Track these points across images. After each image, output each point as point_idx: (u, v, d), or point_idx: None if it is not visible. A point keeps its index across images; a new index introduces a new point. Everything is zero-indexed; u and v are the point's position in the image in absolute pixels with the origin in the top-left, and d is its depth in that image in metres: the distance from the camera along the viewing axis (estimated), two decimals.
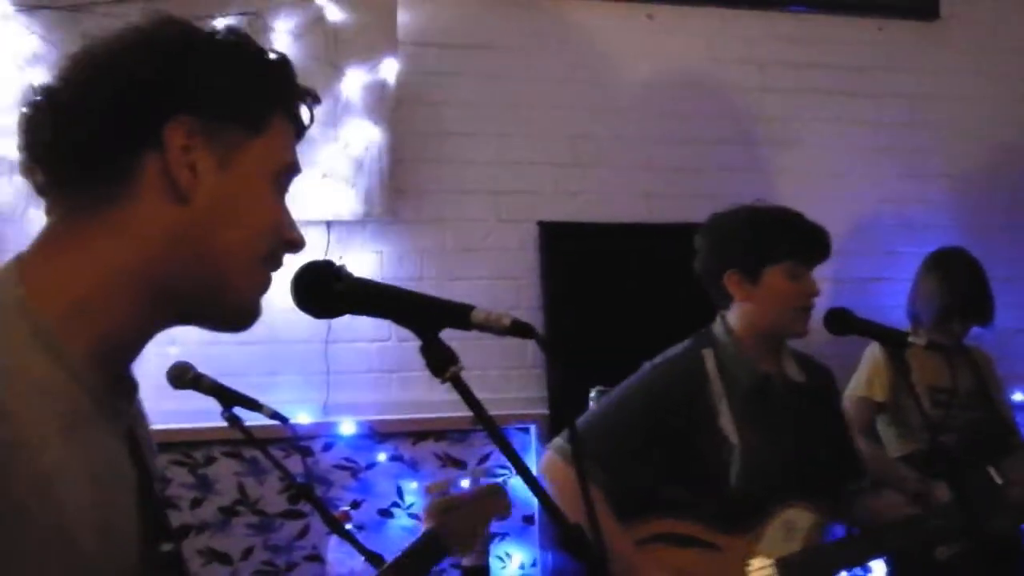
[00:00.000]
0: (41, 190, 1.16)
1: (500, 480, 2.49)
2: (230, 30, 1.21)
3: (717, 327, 2.79)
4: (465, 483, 2.41)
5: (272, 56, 1.23)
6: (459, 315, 1.26)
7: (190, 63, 1.14)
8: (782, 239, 2.71)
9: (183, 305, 1.17)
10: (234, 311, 1.21)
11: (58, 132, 1.13)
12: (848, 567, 2.79)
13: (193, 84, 1.14)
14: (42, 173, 1.15)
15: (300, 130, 1.26)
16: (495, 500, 2.34)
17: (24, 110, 1.15)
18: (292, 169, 1.24)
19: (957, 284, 3.76)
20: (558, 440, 2.76)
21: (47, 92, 1.14)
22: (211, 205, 1.14)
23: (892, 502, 2.95)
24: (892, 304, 4.27)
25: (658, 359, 2.79)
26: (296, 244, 1.24)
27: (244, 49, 1.20)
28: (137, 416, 1.25)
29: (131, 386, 1.18)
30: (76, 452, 1.03)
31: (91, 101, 1.12)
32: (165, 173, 1.12)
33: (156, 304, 1.14)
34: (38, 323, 1.04)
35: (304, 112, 1.26)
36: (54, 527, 0.99)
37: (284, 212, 1.24)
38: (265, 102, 1.19)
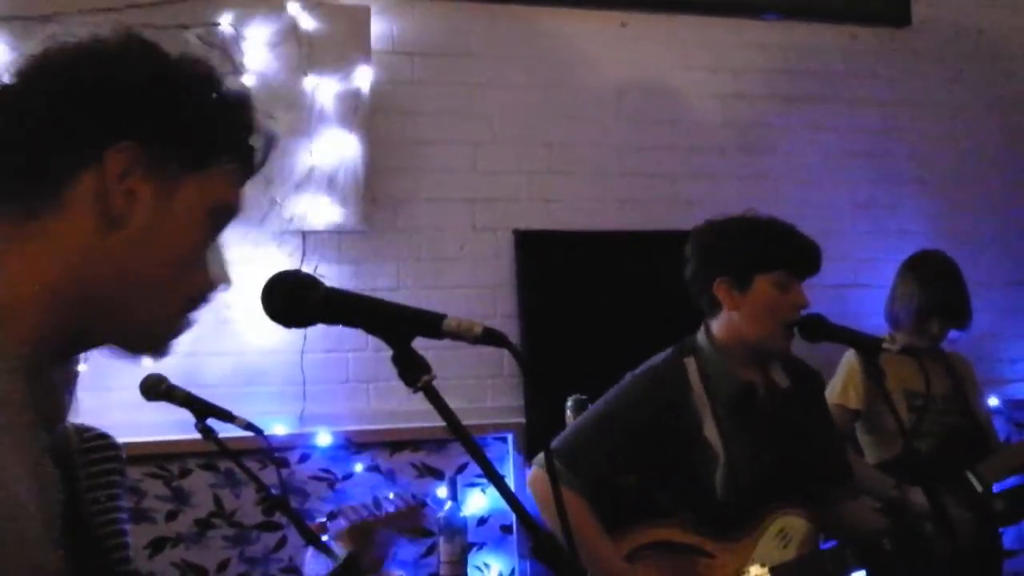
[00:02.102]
0: None
1: (423, 499, 2.52)
2: (194, 60, 1.20)
3: (700, 335, 2.78)
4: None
5: (230, 93, 1.21)
6: (431, 324, 1.26)
7: (145, 91, 1.13)
8: (774, 248, 2.70)
9: (96, 326, 1.15)
10: (139, 340, 1.19)
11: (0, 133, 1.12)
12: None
13: (144, 112, 1.12)
14: None
15: (248, 171, 1.24)
16: (412, 519, 2.37)
17: None
18: (230, 209, 1.21)
19: (935, 286, 3.77)
20: (543, 455, 2.75)
21: (1, 90, 1.13)
22: (140, 232, 1.12)
23: (857, 510, 2.95)
24: (866, 310, 4.30)
25: (640, 369, 2.78)
26: (215, 287, 1.21)
27: (202, 83, 1.18)
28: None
29: (60, 404, 1.16)
30: (24, 457, 1.01)
31: (39, 110, 1.10)
32: (101, 195, 1.10)
33: (71, 320, 1.11)
34: None
35: (256, 155, 1.24)
36: (14, 529, 0.97)
37: (212, 250, 1.21)
38: (214, 140, 1.18)
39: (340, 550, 2.29)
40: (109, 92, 1.11)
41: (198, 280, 1.19)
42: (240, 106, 1.22)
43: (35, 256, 1.09)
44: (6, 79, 1.14)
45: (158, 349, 1.20)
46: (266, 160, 1.26)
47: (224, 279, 1.22)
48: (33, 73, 1.13)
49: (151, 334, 1.19)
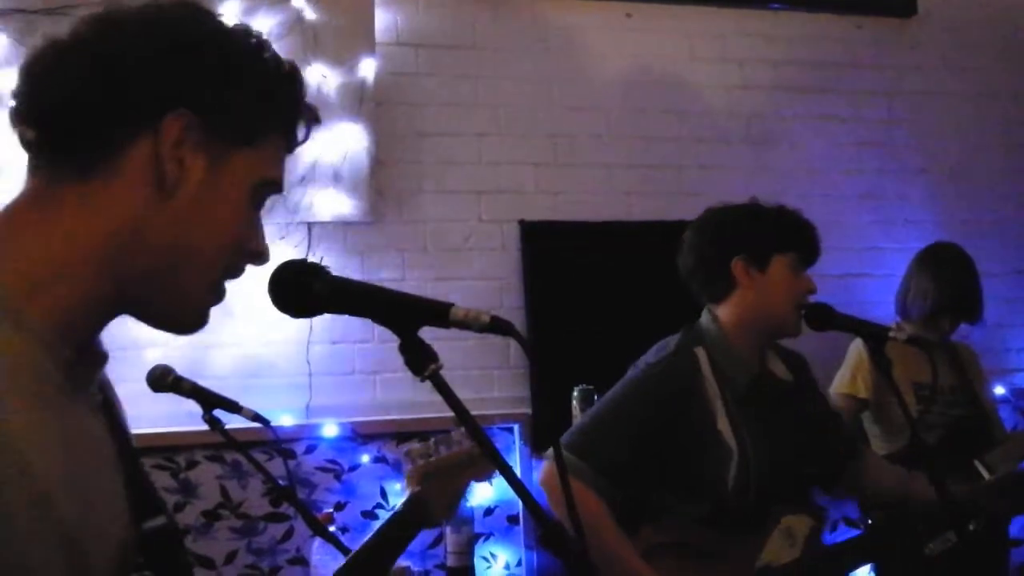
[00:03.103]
0: (28, 146, 1.14)
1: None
2: (254, 35, 1.20)
3: (706, 323, 2.75)
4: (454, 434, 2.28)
5: (285, 70, 1.21)
6: (438, 313, 1.26)
7: (206, 60, 1.13)
8: (791, 230, 2.73)
9: (135, 293, 1.15)
10: (178, 313, 1.19)
11: (57, 92, 1.11)
12: (844, 572, 2.80)
13: (203, 82, 1.12)
14: (32, 130, 1.13)
15: (292, 146, 1.25)
16: (477, 462, 2.26)
17: (29, 61, 1.13)
18: (274, 185, 1.22)
19: (951, 283, 3.76)
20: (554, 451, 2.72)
21: (57, 48, 1.13)
22: (188, 204, 1.12)
23: (894, 472, 2.97)
24: (871, 299, 4.30)
25: (651, 358, 2.73)
26: (261, 256, 1.23)
27: (261, 58, 1.19)
28: (108, 387, 1.24)
29: (100, 357, 1.16)
30: (45, 419, 1.01)
31: (98, 71, 1.10)
32: (153, 161, 1.10)
33: (113, 284, 1.12)
34: (2, 296, 1.03)
35: (301, 131, 1.25)
36: (27, 490, 0.97)
37: (255, 224, 1.22)
38: (267, 117, 1.18)
39: (406, 492, 2.18)
40: (169, 60, 1.11)
41: (239, 253, 1.20)
42: (292, 81, 1.22)
43: (83, 220, 1.09)
44: (63, 37, 1.13)
45: (191, 323, 1.20)
46: (308, 137, 1.26)
47: (264, 250, 1.23)
48: (93, 35, 1.13)
49: (186, 306, 1.18)
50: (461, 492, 2.18)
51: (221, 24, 1.19)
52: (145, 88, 1.10)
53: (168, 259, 1.13)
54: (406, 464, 2.19)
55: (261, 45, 1.20)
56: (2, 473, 0.96)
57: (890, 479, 2.95)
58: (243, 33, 1.20)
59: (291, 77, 1.22)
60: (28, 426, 0.99)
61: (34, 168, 1.13)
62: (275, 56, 1.21)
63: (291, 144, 1.25)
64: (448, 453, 2.18)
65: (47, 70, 1.12)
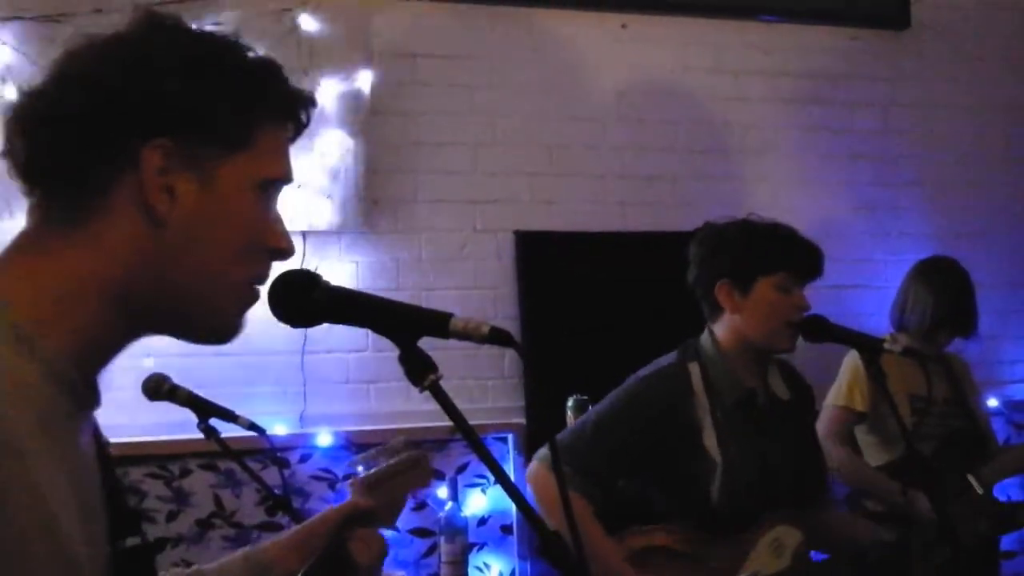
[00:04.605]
0: (24, 192, 1.14)
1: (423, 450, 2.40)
2: (218, 39, 1.18)
3: (704, 339, 2.78)
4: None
5: (259, 64, 1.19)
6: (438, 323, 1.26)
7: (172, 82, 1.10)
8: (775, 251, 2.71)
9: (157, 319, 1.15)
10: (210, 328, 1.19)
11: (32, 145, 1.11)
12: None
13: (174, 104, 1.10)
14: (21, 181, 1.13)
15: (296, 133, 1.23)
16: (418, 470, 2.29)
17: (6, 116, 1.13)
18: (281, 179, 1.20)
19: (950, 298, 3.77)
20: (543, 450, 2.76)
21: (26, 101, 1.13)
22: (188, 227, 1.11)
23: (843, 519, 2.97)
24: (866, 311, 4.30)
25: (644, 371, 2.78)
26: (284, 252, 1.21)
27: (233, 61, 1.16)
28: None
29: (97, 394, 1.17)
30: (57, 453, 1.02)
31: (66, 117, 1.09)
32: (141, 196, 1.09)
33: (129, 316, 1.12)
34: (16, 325, 1.04)
35: (301, 116, 1.23)
36: (47, 535, 0.99)
37: (272, 220, 1.20)
38: (251, 117, 1.16)
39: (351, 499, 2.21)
40: (136, 92, 1.10)
41: (259, 254, 1.19)
42: (269, 73, 1.19)
43: (82, 262, 1.09)
44: (38, 83, 1.13)
45: (224, 334, 1.20)
46: (309, 119, 1.24)
47: (286, 245, 1.21)
48: (61, 77, 1.12)
49: (216, 320, 1.18)
50: (403, 500, 2.23)
51: (188, 40, 1.16)
52: (115, 127, 1.09)
53: (183, 282, 1.13)
54: (353, 472, 2.23)
55: (231, 47, 1.17)
56: (21, 511, 0.97)
57: (836, 520, 2.95)
58: (210, 38, 1.18)
59: (269, 68, 1.20)
60: (45, 463, 1.00)
61: (32, 210, 1.13)
62: (248, 52, 1.18)
63: (296, 130, 1.23)
64: (390, 463, 2.21)
65: (19, 125, 1.12)
